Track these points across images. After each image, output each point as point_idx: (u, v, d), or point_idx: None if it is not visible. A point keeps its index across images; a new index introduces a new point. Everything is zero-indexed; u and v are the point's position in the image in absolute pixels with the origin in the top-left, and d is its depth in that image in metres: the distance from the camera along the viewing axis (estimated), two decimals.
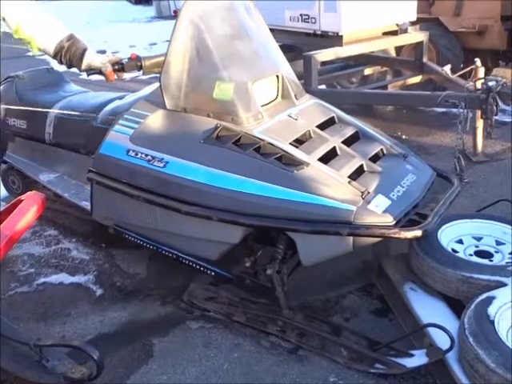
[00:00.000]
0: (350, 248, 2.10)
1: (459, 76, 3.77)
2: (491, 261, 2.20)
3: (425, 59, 4.28)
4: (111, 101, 2.91)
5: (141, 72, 2.56)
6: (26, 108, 3.09)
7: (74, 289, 2.57)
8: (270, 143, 2.21)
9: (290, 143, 2.26)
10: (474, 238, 2.35)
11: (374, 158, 2.40)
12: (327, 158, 2.29)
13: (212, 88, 2.31)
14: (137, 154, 2.34)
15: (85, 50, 2.43)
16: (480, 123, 3.48)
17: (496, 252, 2.26)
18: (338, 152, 2.33)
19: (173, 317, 2.33)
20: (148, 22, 13.06)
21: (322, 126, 2.46)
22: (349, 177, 2.18)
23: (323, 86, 4.65)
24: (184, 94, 2.34)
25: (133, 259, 2.74)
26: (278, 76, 2.50)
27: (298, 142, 2.35)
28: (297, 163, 2.16)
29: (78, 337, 2.18)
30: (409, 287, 2.19)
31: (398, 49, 4.87)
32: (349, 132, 2.49)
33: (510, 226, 2.32)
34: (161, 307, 2.39)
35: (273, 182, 2.12)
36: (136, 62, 2.53)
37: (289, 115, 2.43)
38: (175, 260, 2.41)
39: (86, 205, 2.74)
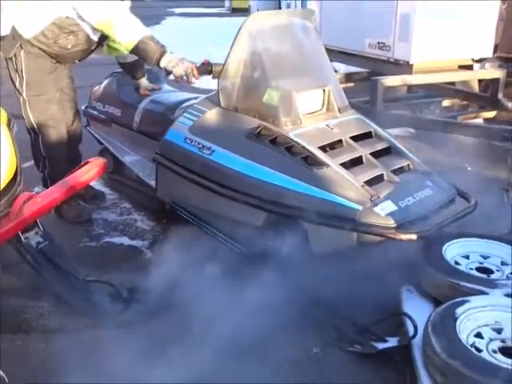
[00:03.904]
0: (354, 243, 2.38)
1: None
2: (489, 276, 2.34)
3: (500, 96, 4.36)
4: (188, 99, 3.40)
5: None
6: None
7: (130, 250, 3.05)
8: (300, 144, 2.56)
9: (320, 147, 2.58)
10: (482, 256, 2.49)
11: (399, 171, 2.64)
12: (353, 164, 2.59)
13: (262, 93, 2.71)
14: (192, 142, 2.79)
15: (164, 52, 2.92)
16: None
17: (497, 270, 2.40)
18: (364, 161, 2.61)
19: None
20: None
21: (357, 138, 2.75)
22: (366, 182, 2.46)
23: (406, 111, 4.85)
24: (236, 96, 2.76)
25: (184, 234, 3.15)
26: (324, 90, 2.83)
27: (331, 148, 2.67)
28: (319, 164, 2.48)
29: (121, 284, 2.62)
30: (406, 288, 2.40)
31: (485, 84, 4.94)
32: (380, 146, 2.75)
33: None
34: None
35: (295, 177, 2.46)
36: (207, 67, 2.97)
37: (327, 124, 2.74)
38: (212, 236, 2.80)
39: (153, 184, 3.24)
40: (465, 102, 4.82)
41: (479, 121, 4.40)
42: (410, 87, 4.87)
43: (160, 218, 3.41)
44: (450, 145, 4.66)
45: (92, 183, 3.79)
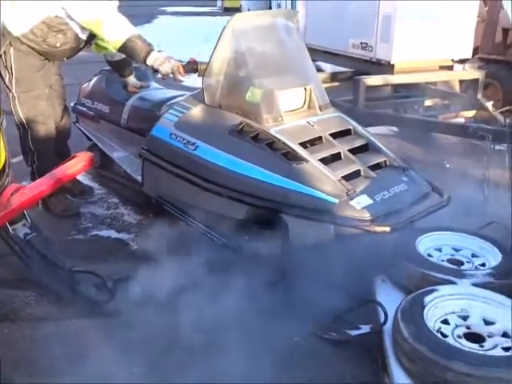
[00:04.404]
0: (331, 235, 2.47)
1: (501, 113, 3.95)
2: (459, 267, 2.45)
3: (479, 96, 4.47)
4: (175, 97, 3.48)
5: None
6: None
7: (116, 242, 3.14)
8: (280, 140, 2.65)
9: (300, 143, 2.67)
10: (454, 248, 2.60)
11: (376, 167, 2.74)
12: (331, 160, 2.69)
13: (245, 91, 2.80)
14: (177, 138, 2.88)
15: (151, 50, 3.00)
16: None
17: (468, 262, 2.50)
18: (342, 157, 2.71)
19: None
20: None
21: (336, 135, 2.84)
22: (343, 177, 2.56)
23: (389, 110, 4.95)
24: (220, 94, 2.85)
25: (169, 228, 3.23)
26: (305, 88, 2.92)
27: (311, 144, 2.77)
28: (298, 159, 2.57)
29: (107, 274, 2.69)
30: (380, 279, 2.50)
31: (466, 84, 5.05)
32: (359, 143, 2.84)
33: (488, 243, 2.55)
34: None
35: (275, 171, 2.55)
36: (193, 66, 3.06)
37: (307, 122, 2.84)
38: (196, 229, 2.89)
39: (140, 179, 3.32)
40: (446, 102, 4.93)
41: (460, 120, 4.52)
42: (395, 87, 4.97)
43: (146, 212, 3.49)
44: (432, 143, 4.79)
45: (80, 178, 3.89)
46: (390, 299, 2.30)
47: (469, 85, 4.65)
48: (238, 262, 2.74)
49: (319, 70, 6.94)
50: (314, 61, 7.04)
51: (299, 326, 2.36)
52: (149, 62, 2.99)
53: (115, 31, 2.95)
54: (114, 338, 2.21)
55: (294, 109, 2.90)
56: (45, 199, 3.41)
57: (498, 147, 3.73)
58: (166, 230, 3.16)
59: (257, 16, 3.11)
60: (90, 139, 4.06)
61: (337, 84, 4.96)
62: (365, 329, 2.23)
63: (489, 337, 1.95)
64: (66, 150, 3.59)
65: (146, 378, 2.06)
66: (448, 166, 4.34)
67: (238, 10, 16.70)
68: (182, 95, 3.48)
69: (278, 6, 11.31)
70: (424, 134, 4.69)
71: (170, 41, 11.23)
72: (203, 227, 2.87)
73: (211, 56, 2.81)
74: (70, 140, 3.75)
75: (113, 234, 3.24)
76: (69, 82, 3.77)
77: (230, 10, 18.57)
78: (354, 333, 2.23)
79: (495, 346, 1.89)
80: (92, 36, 3.23)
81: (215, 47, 2.79)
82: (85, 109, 4.04)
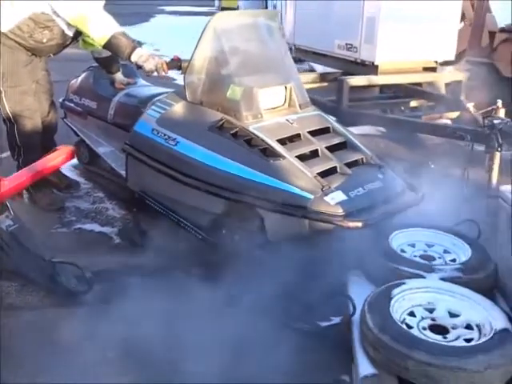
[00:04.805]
0: (305, 230, 2.53)
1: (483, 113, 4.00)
2: (430, 263, 2.50)
3: (462, 97, 4.54)
4: (161, 94, 3.52)
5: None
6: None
7: (99, 236, 3.19)
8: (259, 137, 2.70)
9: (278, 140, 2.73)
10: (427, 244, 2.65)
11: (353, 164, 2.79)
12: (309, 157, 2.74)
13: (225, 89, 2.86)
14: (158, 133, 2.93)
15: (135, 47, 3.05)
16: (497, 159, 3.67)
17: (439, 258, 2.56)
18: (320, 154, 2.76)
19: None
20: None
21: (315, 133, 2.90)
22: (319, 174, 2.61)
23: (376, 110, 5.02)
24: (201, 91, 2.90)
25: (152, 223, 3.29)
26: (286, 87, 2.98)
27: (289, 141, 2.82)
28: (275, 156, 2.63)
29: (88, 266, 2.74)
30: (353, 273, 2.55)
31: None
32: (336, 140, 2.90)
33: (459, 239, 2.61)
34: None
35: (253, 167, 2.60)
36: (177, 63, 3.12)
37: (287, 119, 2.89)
38: (176, 223, 2.94)
39: (124, 173, 3.37)
40: (432, 103, 5.00)
41: (445, 121, 4.58)
42: (382, 89, 5.04)
43: (131, 206, 3.54)
44: (417, 143, 4.85)
45: (67, 173, 3.94)
46: (361, 293, 2.36)
47: (454, 87, 4.71)
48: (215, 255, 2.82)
49: (311, 70, 7.03)
50: (304, 61, 7.15)
51: (271, 317, 2.42)
52: (133, 58, 3.05)
53: (100, 28, 3.01)
54: (90, 326, 2.26)
55: (275, 107, 2.96)
56: (31, 193, 3.46)
57: (479, 148, 3.81)
58: (150, 225, 3.24)
59: (238, 15, 3.18)
60: (78, 135, 4.10)
61: (325, 84, 5.02)
62: (335, 321, 2.28)
63: (453, 328, 2.00)
64: (52, 144, 3.63)
65: (119, 362, 2.11)
66: (432, 166, 4.40)
67: (235, 9, 16.74)
68: (167, 91, 3.54)
69: (274, 6, 11.35)
70: (411, 134, 4.76)
71: (166, 40, 11.25)
72: (183, 221, 2.93)
73: (192, 54, 2.86)
74: (58, 135, 3.79)
75: (96, 227, 3.29)
76: (60, 79, 3.82)
77: (227, 10, 18.61)
78: (325, 324, 2.29)
79: (458, 338, 1.95)
80: (78, 33, 3.28)
81: (196, 45, 2.85)
82: (73, 105, 4.09)
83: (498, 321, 1.94)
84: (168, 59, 3.17)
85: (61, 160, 2.47)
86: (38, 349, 2.18)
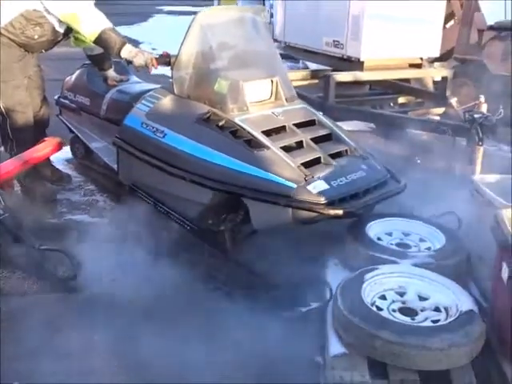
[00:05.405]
0: (289, 218, 2.60)
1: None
2: (404, 250, 2.57)
3: (448, 93, 4.61)
4: (152, 90, 3.61)
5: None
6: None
7: (88, 226, 3.27)
8: (244, 129, 2.78)
9: (263, 132, 2.80)
10: (404, 233, 2.73)
11: (337, 156, 2.87)
12: (294, 148, 2.82)
13: (212, 82, 2.93)
14: (147, 126, 3.00)
15: (125, 43, 3.13)
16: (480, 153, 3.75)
17: (415, 246, 2.64)
18: (304, 145, 2.84)
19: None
20: None
21: (300, 125, 2.97)
22: (303, 164, 2.69)
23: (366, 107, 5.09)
24: (189, 85, 2.98)
25: (143, 215, 3.36)
26: (272, 81, 3.06)
27: (275, 133, 2.90)
28: (260, 146, 2.71)
29: (72, 254, 2.80)
30: (332, 261, 2.63)
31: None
32: (322, 132, 2.97)
33: (435, 228, 2.69)
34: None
35: (238, 157, 2.68)
36: (166, 59, 3.19)
37: (273, 112, 2.96)
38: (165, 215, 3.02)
39: (116, 167, 3.44)
40: (419, 100, 5.08)
41: (433, 117, 4.65)
42: (371, 85, 5.11)
43: (122, 199, 3.62)
44: (406, 139, 4.92)
45: (60, 167, 4.03)
46: (339, 279, 2.44)
47: (440, 83, 4.79)
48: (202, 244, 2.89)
49: (305, 68, 7.10)
50: (298, 59, 7.21)
51: (253, 303, 2.49)
52: (123, 54, 3.12)
53: (90, 24, 3.09)
54: (77, 310, 2.35)
55: (261, 100, 3.03)
56: (23, 185, 3.54)
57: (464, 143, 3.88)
58: (141, 217, 3.31)
59: (224, 10, 3.25)
60: (73, 131, 4.19)
61: (317, 81, 5.10)
62: (314, 306, 2.37)
63: (421, 311, 2.08)
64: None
65: (105, 345, 2.19)
66: (419, 161, 4.47)
67: None
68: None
69: (271, 6, 11.43)
70: (400, 130, 4.83)
71: (165, 39, 11.29)
72: (172, 212, 3.00)
73: (179, 49, 2.94)
74: (55, 132, 3.86)
75: (86, 218, 3.38)
76: (57, 77, 3.89)
77: None
78: (305, 309, 2.37)
79: (426, 319, 2.03)
80: (69, 29, 3.36)
81: (183, 40, 2.92)
82: (67, 101, 4.17)
83: (465, 303, 2.02)
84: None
85: (48, 151, 2.55)
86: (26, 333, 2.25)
